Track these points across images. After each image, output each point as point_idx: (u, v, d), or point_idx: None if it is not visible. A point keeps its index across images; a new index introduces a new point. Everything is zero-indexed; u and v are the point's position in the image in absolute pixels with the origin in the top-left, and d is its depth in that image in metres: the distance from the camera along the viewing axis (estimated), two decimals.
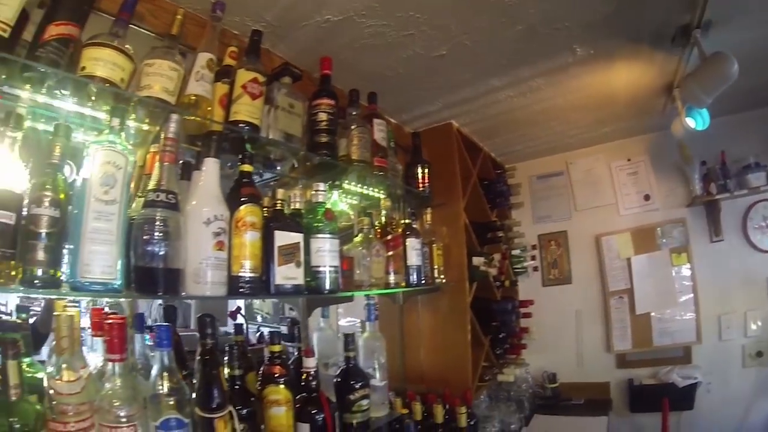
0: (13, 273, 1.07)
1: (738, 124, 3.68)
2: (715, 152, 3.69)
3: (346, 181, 2.31)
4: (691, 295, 3.79)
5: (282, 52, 2.12)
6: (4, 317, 1.45)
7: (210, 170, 1.46)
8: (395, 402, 2.35)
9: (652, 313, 3.89)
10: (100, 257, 1.15)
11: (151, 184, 1.29)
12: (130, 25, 1.42)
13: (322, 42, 2.14)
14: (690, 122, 2.80)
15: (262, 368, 1.77)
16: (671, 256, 3.87)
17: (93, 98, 1.32)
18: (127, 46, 1.34)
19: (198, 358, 1.48)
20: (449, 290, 3.05)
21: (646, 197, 4.05)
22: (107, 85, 1.28)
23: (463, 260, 3.10)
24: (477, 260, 3.16)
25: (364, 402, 2.00)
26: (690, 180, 3.77)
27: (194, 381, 1.45)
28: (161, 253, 1.25)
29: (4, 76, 1.18)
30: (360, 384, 1.99)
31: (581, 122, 3.69)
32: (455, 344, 3.06)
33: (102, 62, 1.28)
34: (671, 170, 3.95)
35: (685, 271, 3.83)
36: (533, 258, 4.49)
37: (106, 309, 1.45)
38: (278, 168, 1.99)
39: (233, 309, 2.87)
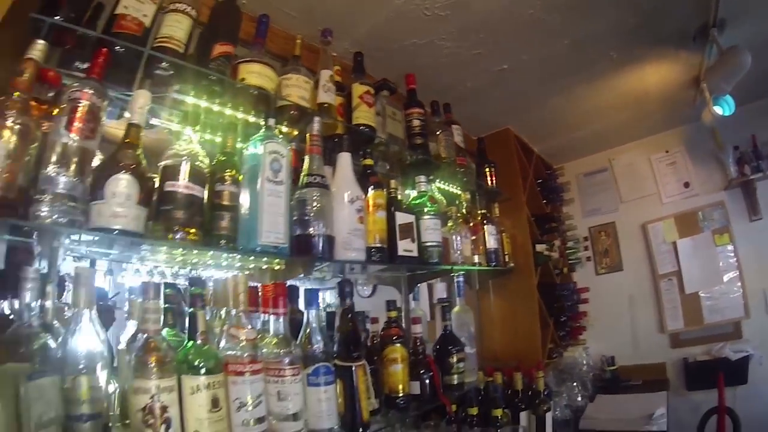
0: (194, 237, 1.35)
1: (766, 109, 3.98)
2: (746, 136, 3.97)
3: (433, 181, 2.72)
4: (736, 272, 4.03)
5: (372, 70, 2.50)
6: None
7: (345, 162, 1.87)
8: (480, 379, 2.67)
9: (701, 292, 4.14)
10: (273, 226, 1.51)
11: (305, 171, 1.69)
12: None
13: (405, 61, 2.59)
14: (717, 110, 3.09)
15: (381, 331, 2.09)
16: (714, 237, 4.14)
17: (249, 103, 1.73)
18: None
19: (338, 317, 1.79)
20: (518, 274, 3.43)
21: (686, 184, 4.35)
22: (262, 91, 1.70)
23: (528, 247, 3.49)
24: (540, 247, 3.56)
25: (461, 365, 2.34)
26: (725, 164, 4.06)
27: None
28: (319, 222, 1.64)
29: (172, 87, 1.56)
30: (457, 349, 2.34)
31: (619, 119, 4.03)
32: (525, 324, 3.42)
33: (256, 74, 1.71)
34: (707, 157, 4.23)
35: (728, 250, 4.08)
36: (586, 248, 4.82)
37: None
38: (382, 164, 2.42)
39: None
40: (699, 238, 4.23)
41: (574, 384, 3.66)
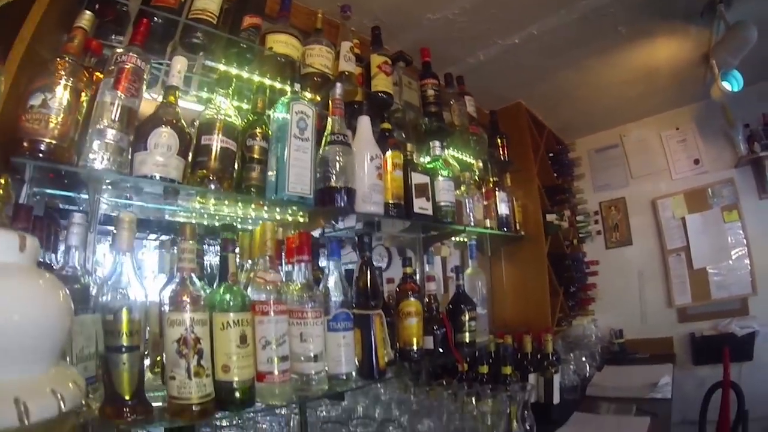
0: (227, 186, 1.51)
1: None
2: (757, 115, 4.05)
3: (446, 148, 2.85)
4: (744, 249, 4.12)
5: (388, 44, 2.58)
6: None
7: (365, 124, 2.01)
8: (491, 342, 2.78)
9: (708, 268, 4.24)
10: (300, 178, 1.66)
11: (328, 131, 1.83)
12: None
13: (420, 35, 2.72)
14: (726, 85, 3.17)
15: (397, 287, 2.21)
16: (723, 214, 4.23)
17: (276, 70, 1.89)
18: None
19: (357, 268, 1.91)
20: (528, 242, 3.57)
21: (696, 161, 4.44)
22: (288, 58, 1.85)
23: (539, 217, 3.63)
24: (550, 216, 3.69)
25: (473, 323, 2.46)
26: (735, 142, 4.13)
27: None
28: (341, 177, 1.78)
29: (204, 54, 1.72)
30: (469, 308, 2.47)
31: (630, 95, 4.11)
32: (535, 291, 3.56)
33: (283, 43, 1.86)
34: (718, 135, 4.31)
35: (737, 227, 4.17)
36: (596, 222, 4.95)
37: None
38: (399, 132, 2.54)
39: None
40: (708, 214, 4.32)
41: (582, 353, 3.78)
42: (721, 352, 3.62)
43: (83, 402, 0.68)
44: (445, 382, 2.35)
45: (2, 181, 0.72)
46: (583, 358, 3.73)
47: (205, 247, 1.77)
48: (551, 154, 4.42)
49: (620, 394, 3.18)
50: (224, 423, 1.65)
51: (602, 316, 4.66)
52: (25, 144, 1.18)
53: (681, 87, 4.02)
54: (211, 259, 1.78)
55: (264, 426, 1.69)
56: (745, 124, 4.10)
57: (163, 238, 1.81)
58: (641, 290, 4.61)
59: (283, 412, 1.82)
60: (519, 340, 2.87)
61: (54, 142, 1.20)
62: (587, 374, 3.65)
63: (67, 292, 0.72)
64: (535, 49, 3.07)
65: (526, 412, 2.16)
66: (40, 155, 1.18)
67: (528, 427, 2.14)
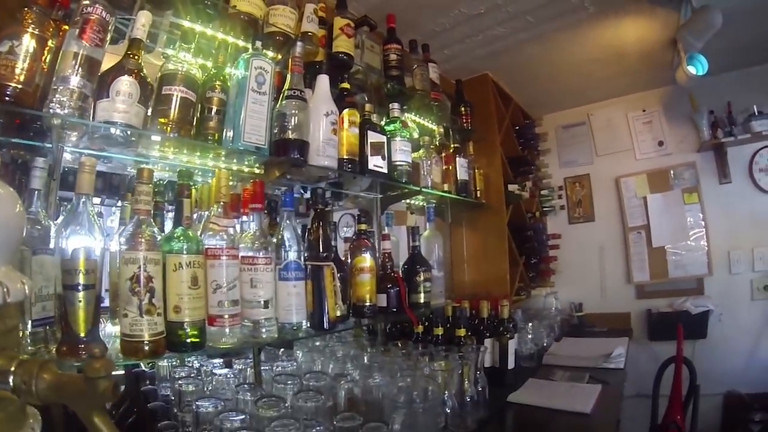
0: (183, 132, 1.60)
1: (743, 78, 4.23)
2: (723, 103, 4.23)
3: (408, 112, 2.99)
4: (702, 231, 4.34)
5: (355, 9, 2.70)
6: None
7: (323, 83, 2.12)
8: (447, 304, 2.88)
9: (667, 247, 4.46)
10: (256, 129, 1.77)
11: (286, 87, 1.93)
12: None
13: (386, 2, 2.82)
14: (691, 69, 3.31)
15: (351, 243, 2.32)
16: (683, 196, 4.43)
17: (239, 28, 1.95)
18: None
19: (310, 221, 2.02)
20: (489, 210, 3.71)
21: (660, 143, 4.62)
22: (251, 16, 1.92)
23: (501, 186, 3.76)
24: (512, 186, 3.85)
25: (428, 284, 2.58)
26: (699, 127, 4.31)
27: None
28: (296, 130, 1.89)
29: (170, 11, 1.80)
30: (424, 269, 2.59)
31: (599, 75, 4.26)
32: (495, 259, 3.70)
33: (246, 2, 1.90)
34: (683, 119, 4.48)
35: (696, 209, 4.38)
36: (560, 197, 5.13)
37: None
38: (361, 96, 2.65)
39: None
40: (669, 195, 4.52)
41: (541, 323, 3.94)
42: (676, 328, 3.77)
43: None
44: (400, 344, 2.44)
45: None
46: (542, 329, 3.87)
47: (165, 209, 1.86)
48: (517, 127, 4.57)
49: (575, 363, 3.31)
50: (182, 374, 1.74)
51: (563, 289, 4.87)
52: None
53: (650, 70, 4.16)
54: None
55: (220, 378, 1.76)
56: (710, 111, 4.27)
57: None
58: (602, 266, 4.81)
59: (240, 367, 1.94)
60: (476, 306, 2.96)
61: (20, 86, 1.29)
62: (545, 344, 3.81)
63: (23, 206, 0.83)
64: (501, 21, 3.19)
65: (478, 373, 2.27)
66: (6, 98, 1.27)
67: (480, 389, 2.24)
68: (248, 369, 1.94)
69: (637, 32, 3.51)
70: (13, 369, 0.68)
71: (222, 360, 2.05)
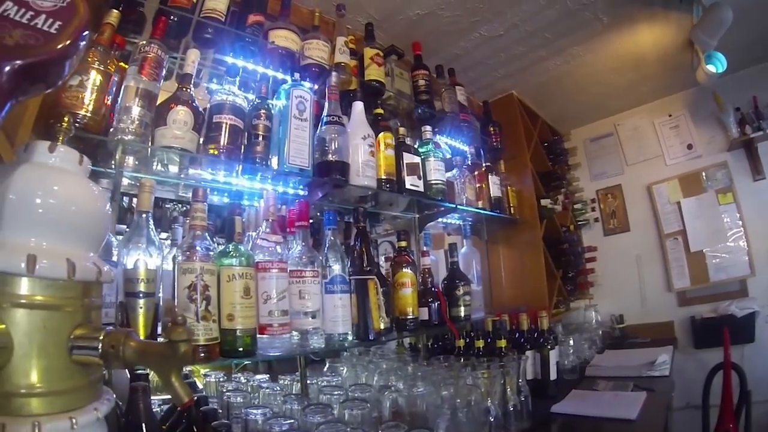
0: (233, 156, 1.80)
1: (766, 72, 4.25)
2: (748, 99, 4.24)
3: (439, 134, 3.14)
4: (741, 230, 4.30)
5: (381, 39, 2.88)
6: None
7: (358, 109, 2.29)
8: (487, 319, 2.93)
9: (706, 251, 4.43)
10: (299, 153, 1.94)
11: (325, 113, 2.11)
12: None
13: (411, 31, 2.99)
14: (711, 68, 3.35)
15: (392, 259, 2.45)
16: (717, 197, 4.42)
17: (278, 61, 2.17)
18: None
19: (353, 237, 2.15)
20: (524, 226, 3.81)
21: (689, 146, 4.65)
22: (288, 50, 2.14)
23: (533, 201, 3.88)
24: (544, 201, 3.95)
25: (467, 298, 2.69)
26: (727, 126, 4.31)
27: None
28: (336, 152, 2.05)
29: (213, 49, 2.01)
30: (463, 283, 2.70)
31: (620, 84, 4.35)
32: (532, 273, 3.79)
33: (283, 38, 2.15)
34: (710, 120, 4.52)
35: (732, 209, 4.35)
36: (593, 210, 5.19)
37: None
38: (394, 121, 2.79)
39: None
40: (703, 197, 4.51)
41: (582, 336, 3.94)
42: (721, 334, 3.69)
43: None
44: (442, 358, 2.45)
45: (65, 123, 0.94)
46: (583, 342, 3.86)
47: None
48: (546, 144, 4.67)
49: (619, 374, 3.28)
50: (230, 388, 1.86)
51: (602, 302, 4.86)
52: (65, 120, 1.44)
53: (670, 74, 4.23)
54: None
55: (267, 391, 1.86)
56: (736, 108, 4.28)
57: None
58: (640, 275, 4.80)
59: (286, 382, 2.05)
60: (516, 320, 2.99)
61: (88, 115, 1.47)
62: (587, 357, 3.78)
63: (109, 202, 0.99)
64: (519, 39, 3.34)
65: (520, 382, 2.30)
66: (77, 125, 1.43)
67: (523, 398, 2.27)
68: (295, 383, 2.05)
69: (653, 37, 3.60)
70: (101, 338, 0.80)
71: (268, 376, 2.16)
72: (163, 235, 1.62)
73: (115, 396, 0.92)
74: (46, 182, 0.82)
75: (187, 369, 1.87)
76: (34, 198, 0.79)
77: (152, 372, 0.84)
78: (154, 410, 1.39)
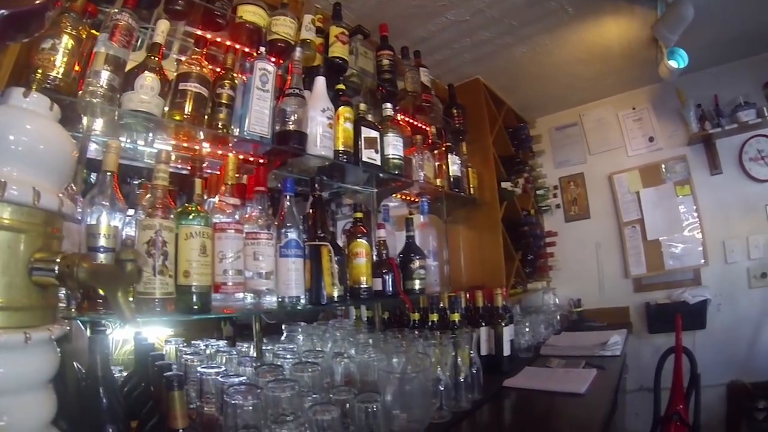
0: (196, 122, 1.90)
1: (728, 72, 4.50)
2: (709, 96, 4.48)
3: (401, 113, 3.31)
4: (696, 222, 4.55)
5: (348, 19, 3.01)
6: None
7: (320, 83, 2.40)
8: (443, 294, 3.02)
9: (662, 239, 4.68)
10: (260, 121, 2.06)
11: (288, 85, 2.23)
12: None
13: (379, 11, 3.13)
14: (672, 63, 3.57)
15: (348, 229, 2.58)
16: (675, 188, 4.67)
17: (245, 36, 2.28)
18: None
19: (309, 205, 2.26)
20: (484, 206, 4.00)
21: (651, 139, 4.90)
22: (255, 25, 2.26)
23: (494, 184, 4.06)
24: (505, 184, 4.14)
25: (422, 272, 2.81)
26: (688, 121, 4.55)
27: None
28: (296, 122, 2.18)
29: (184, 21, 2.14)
30: (418, 257, 2.83)
31: (586, 76, 4.55)
32: (490, 252, 3.97)
33: (251, 12, 2.25)
34: (672, 114, 4.75)
35: (689, 201, 4.60)
36: (555, 196, 5.41)
37: None
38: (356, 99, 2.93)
39: None
40: (662, 188, 4.76)
41: (539, 317, 4.17)
42: (674, 319, 3.92)
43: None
44: (396, 330, 2.57)
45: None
46: (540, 323, 4.09)
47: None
48: (510, 130, 4.87)
49: (572, 353, 3.49)
50: (189, 351, 1.97)
51: (561, 286, 5.13)
52: (39, 72, 1.57)
53: (636, 69, 4.42)
54: None
55: (225, 356, 1.97)
56: (698, 105, 4.52)
57: None
58: (599, 261, 5.05)
59: (244, 348, 2.18)
60: (473, 297, 3.13)
61: (59, 76, 1.59)
62: (543, 337, 4.02)
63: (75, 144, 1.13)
64: (485, 25, 3.49)
65: (472, 354, 2.42)
66: (48, 85, 1.55)
67: (474, 371, 2.39)
68: (251, 349, 2.18)
69: (618, 31, 3.77)
70: (58, 260, 0.94)
71: (226, 342, 2.28)
72: (130, 212, 1.73)
73: (77, 364, 1.06)
74: (20, 121, 0.97)
75: (153, 341, 2.00)
76: (8, 134, 0.94)
77: (102, 290, 0.98)
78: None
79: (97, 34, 1.75)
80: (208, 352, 2.03)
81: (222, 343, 2.21)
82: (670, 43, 3.42)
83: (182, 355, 1.91)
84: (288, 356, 1.92)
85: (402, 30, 3.33)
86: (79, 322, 1.54)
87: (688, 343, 4.01)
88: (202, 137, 2.05)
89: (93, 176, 1.89)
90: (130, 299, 0.97)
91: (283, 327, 2.53)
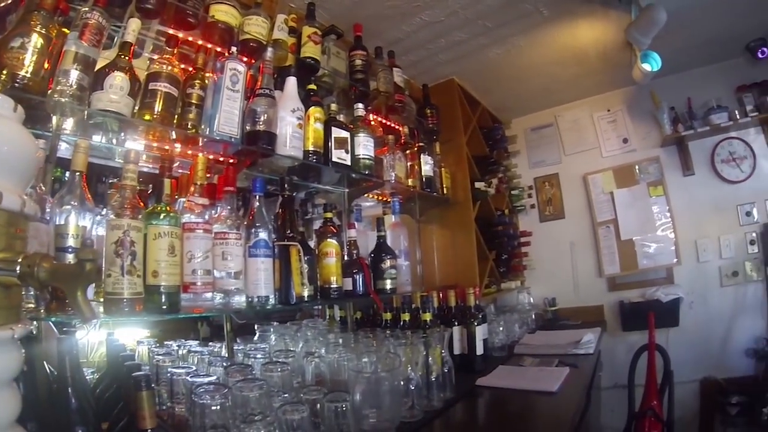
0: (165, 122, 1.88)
1: (701, 75, 4.62)
2: (683, 99, 4.61)
3: (374, 113, 3.33)
4: (669, 222, 4.68)
5: (323, 18, 3.06)
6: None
7: (290, 83, 2.42)
8: (415, 294, 3.06)
9: (636, 239, 4.79)
10: (229, 121, 2.07)
11: (258, 85, 2.24)
12: None
13: (353, 12, 3.15)
14: (646, 66, 3.62)
15: (318, 229, 2.60)
16: (648, 189, 4.79)
17: (217, 35, 2.27)
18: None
19: (278, 205, 2.25)
20: (457, 206, 4.04)
21: (625, 140, 5.01)
22: (227, 25, 2.26)
23: (467, 184, 4.10)
24: (478, 184, 4.17)
25: (392, 271, 2.82)
26: (661, 123, 4.66)
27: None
28: (265, 123, 2.19)
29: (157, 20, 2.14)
30: (389, 257, 2.84)
31: (562, 77, 4.63)
32: (463, 252, 4.01)
33: (223, 12, 2.25)
34: (646, 116, 4.87)
35: (662, 201, 4.73)
36: (530, 196, 5.49)
37: None
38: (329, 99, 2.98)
39: None
40: (635, 189, 4.88)
41: (513, 317, 4.21)
42: (648, 317, 4.03)
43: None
44: (369, 330, 2.60)
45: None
46: (514, 322, 4.14)
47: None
48: (485, 130, 4.91)
49: (545, 351, 3.53)
50: (161, 352, 1.99)
51: (536, 285, 5.21)
52: (4, 73, 1.57)
53: (611, 71, 4.51)
54: None
55: (197, 356, 1.99)
56: (671, 107, 4.64)
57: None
58: (573, 261, 5.15)
59: (216, 349, 2.18)
60: (444, 296, 3.19)
61: (28, 75, 1.59)
62: (517, 336, 4.06)
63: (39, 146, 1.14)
64: (459, 26, 3.52)
65: (443, 353, 2.43)
66: (16, 84, 1.55)
67: (446, 370, 2.41)
68: (223, 349, 2.19)
69: (593, 34, 3.84)
70: (20, 260, 0.95)
71: (198, 342, 2.29)
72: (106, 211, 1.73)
73: (47, 364, 1.07)
74: None
75: (127, 347, 1.98)
76: None
77: (63, 290, 0.99)
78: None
79: (68, 32, 1.75)
80: (180, 352, 2.06)
81: (194, 343, 2.23)
82: (643, 47, 3.47)
83: (154, 356, 1.93)
84: (258, 356, 1.94)
85: (377, 30, 3.36)
86: (51, 323, 1.54)
87: (662, 340, 4.13)
88: (173, 137, 2.06)
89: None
90: (92, 299, 0.98)
91: (256, 327, 2.55)
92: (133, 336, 2.32)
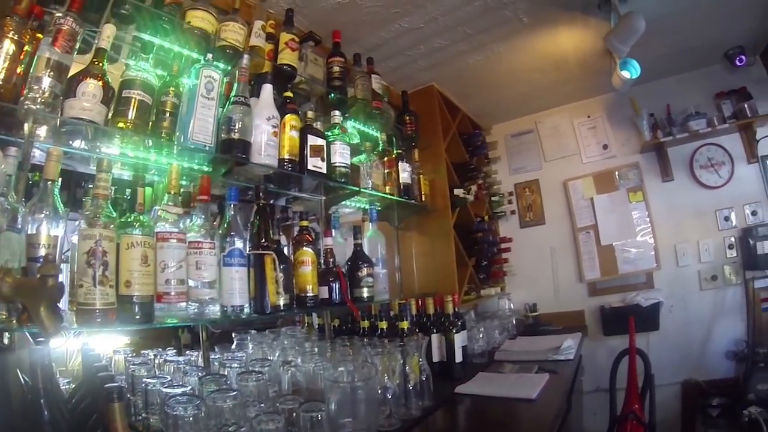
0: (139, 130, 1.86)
1: (680, 82, 4.69)
2: (662, 106, 4.67)
3: (351, 120, 3.34)
4: (649, 227, 4.75)
5: (301, 24, 3.07)
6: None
7: (266, 90, 2.42)
8: (393, 301, 3.09)
9: (616, 244, 4.86)
10: (203, 130, 2.07)
11: (233, 93, 2.24)
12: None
13: (332, 18, 3.14)
14: (625, 73, 3.68)
15: (294, 237, 2.58)
16: (628, 195, 4.87)
17: (193, 42, 2.28)
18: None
19: (253, 213, 2.20)
20: (436, 214, 4.05)
21: (605, 146, 5.08)
22: (203, 31, 2.26)
23: (446, 191, 4.10)
24: (457, 191, 4.18)
25: (369, 279, 2.83)
26: (640, 129, 4.74)
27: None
28: (240, 131, 2.19)
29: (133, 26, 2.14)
30: (366, 265, 2.85)
31: (542, 84, 4.68)
32: (442, 260, 4.00)
33: (199, 18, 2.26)
34: (626, 123, 4.94)
35: (642, 207, 4.80)
36: (510, 202, 5.53)
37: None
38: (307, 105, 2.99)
39: None
40: (615, 195, 4.94)
41: (493, 323, 4.24)
42: (628, 322, 4.08)
43: None
44: (346, 338, 2.59)
45: None
46: (494, 329, 4.17)
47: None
48: (465, 136, 4.94)
49: (525, 358, 3.55)
50: (137, 361, 1.96)
51: (517, 291, 5.24)
52: None
53: (591, 78, 4.56)
54: None
55: (173, 365, 1.99)
56: (651, 114, 4.71)
57: None
58: (554, 267, 5.19)
59: (193, 357, 2.18)
60: (422, 304, 3.19)
61: (0, 82, 1.59)
62: (498, 343, 4.09)
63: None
64: (438, 32, 3.53)
65: (421, 362, 2.42)
66: None
67: (424, 378, 2.40)
68: (199, 358, 2.19)
69: (573, 41, 3.88)
70: None
71: (176, 351, 2.27)
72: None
73: (21, 374, 1.06)
74: None
75: (102, 357, 2.00)
76: None
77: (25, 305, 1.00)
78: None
79: (42, 37, 1.74)
80: (156, 361, 2.05)
81: (171, 352, 2.21)
82: (622, 54, 3.52)
83: (130, 365, 1.91)
84: (234, 365, 1.94)
85: (356, 37, 3.37)
86: (26, 333, 1.52)
87: (642, 344, 4.19)
88: (150, 144, 2.04)
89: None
90: (54, 313, 0.98)
91: (234, 335, 2.53)
92: (112, 344, 2.29)
